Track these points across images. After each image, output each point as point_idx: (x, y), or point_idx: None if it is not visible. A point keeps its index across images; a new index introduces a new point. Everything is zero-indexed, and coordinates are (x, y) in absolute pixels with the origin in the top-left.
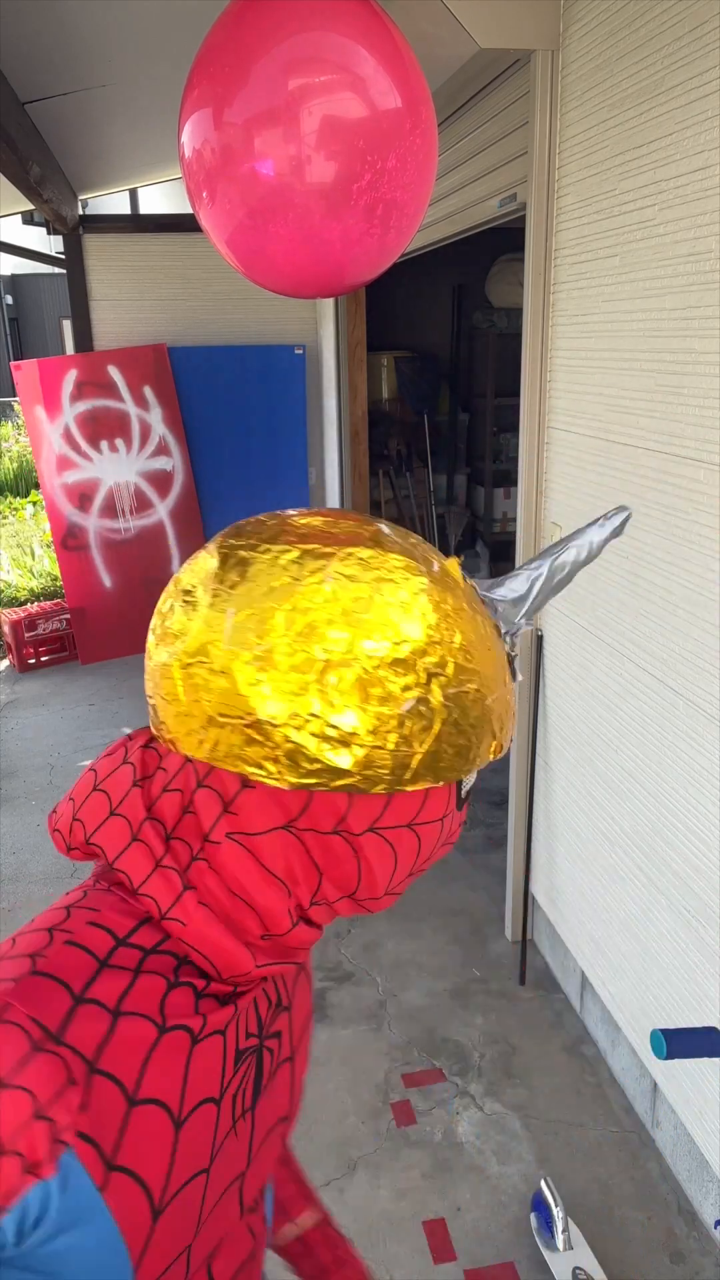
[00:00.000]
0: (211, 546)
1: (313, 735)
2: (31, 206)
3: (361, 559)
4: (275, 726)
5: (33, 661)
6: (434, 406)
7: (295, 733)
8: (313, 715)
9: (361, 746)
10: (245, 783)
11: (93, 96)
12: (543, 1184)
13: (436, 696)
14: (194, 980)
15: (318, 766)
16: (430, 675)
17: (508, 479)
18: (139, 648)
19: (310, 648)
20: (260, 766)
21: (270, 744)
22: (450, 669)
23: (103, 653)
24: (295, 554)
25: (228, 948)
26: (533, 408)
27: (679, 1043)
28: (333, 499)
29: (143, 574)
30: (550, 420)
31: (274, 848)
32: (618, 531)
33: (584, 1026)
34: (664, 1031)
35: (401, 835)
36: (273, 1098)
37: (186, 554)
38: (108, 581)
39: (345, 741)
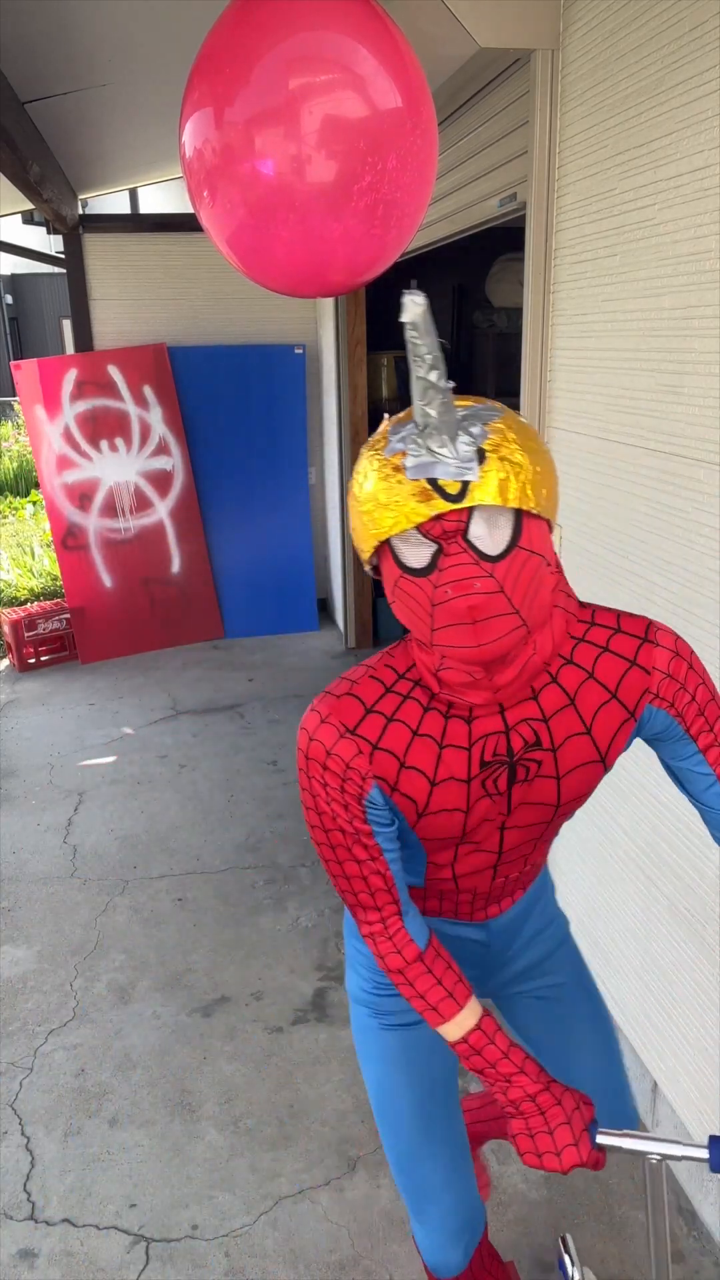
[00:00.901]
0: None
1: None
2: (31, 206)
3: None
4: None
5: (33, 661)
6: None
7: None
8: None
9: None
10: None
11: (93, 96)
12: (560, 1243)
13: None
14: (438, 705)
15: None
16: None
17: None
18: (139, 647)
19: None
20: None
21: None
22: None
23: (102, 652)
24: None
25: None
26: (533, 408)
27: None
28: (333, 499)
29: (143, 574)
30: (550, 420)
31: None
32: None
33: None
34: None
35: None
36: (533, 790)
37: (186, 553)
38: (108, 581)
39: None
